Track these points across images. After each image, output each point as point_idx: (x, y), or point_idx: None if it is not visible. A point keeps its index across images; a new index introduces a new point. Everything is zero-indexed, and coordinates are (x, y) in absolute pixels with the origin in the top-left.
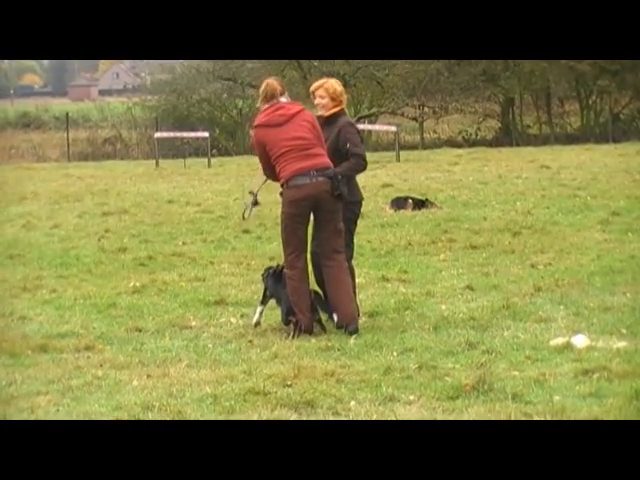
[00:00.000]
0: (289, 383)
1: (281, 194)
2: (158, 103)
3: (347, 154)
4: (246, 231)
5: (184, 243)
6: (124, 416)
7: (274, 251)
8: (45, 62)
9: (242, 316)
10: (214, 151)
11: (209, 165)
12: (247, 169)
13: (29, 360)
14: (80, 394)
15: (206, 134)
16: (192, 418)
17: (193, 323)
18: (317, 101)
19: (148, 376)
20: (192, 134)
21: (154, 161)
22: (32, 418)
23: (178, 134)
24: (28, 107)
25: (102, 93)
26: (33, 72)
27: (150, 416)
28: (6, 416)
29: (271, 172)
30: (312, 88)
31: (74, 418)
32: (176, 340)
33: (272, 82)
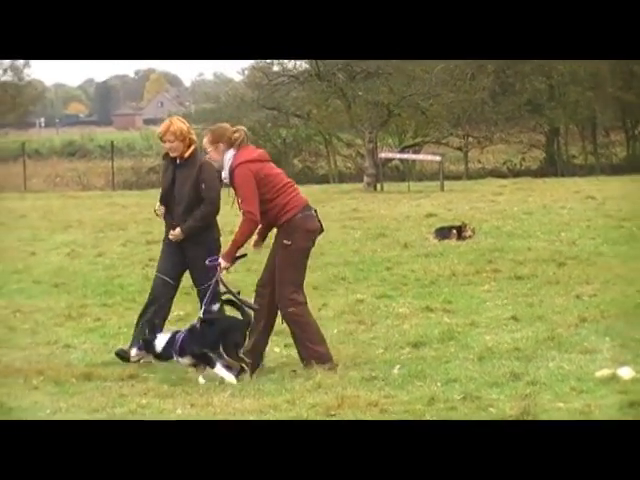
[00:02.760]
0: (333, 413)
1: (284, 228)
2: (202, 132)
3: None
4: None
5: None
6: None
7: (317, 280)
8: (90, 91)
9: (285, 346)
10: None
11: None
12: None
13: (73, 388)
14: None
15: None
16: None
17: None
18: (167, 146)
19: (192, 405)
20: None
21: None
22: None
23: None
24: (73, 136)
25: (147, 122)
26: (79, 101)
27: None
28: None
29: (265, 207)
30: (158, 134)
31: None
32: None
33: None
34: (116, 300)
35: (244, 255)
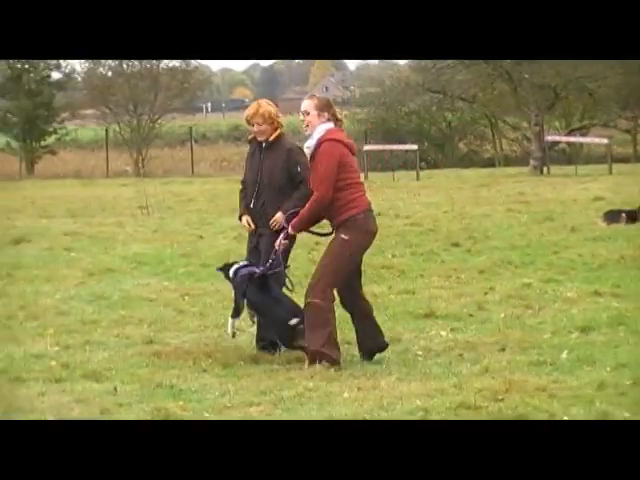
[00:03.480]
0: (500, 397)
1: (345, 223)
2: (367, 116)
3: (296, 178)
4: (455, 244)
5: (393, 256)
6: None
7: (484, 264)
8: (256, 76)
9: (452, 329)
10: (423, 164)
11: (418, 178)
12: (456, 182)
13: (241, 371)
14: (292, 405)
15: (415, 147)
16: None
17: (403, 336)
18: (255, 129)
19: (359, 388)
20: (401, 147)
21: (363, 174)
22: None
23: (387, 147)
24: (239, 120)
25: None
26: (244, 86)
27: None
28: None
29: (336, 195)
30: (246, 116)
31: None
32: (386, 352)
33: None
34: None
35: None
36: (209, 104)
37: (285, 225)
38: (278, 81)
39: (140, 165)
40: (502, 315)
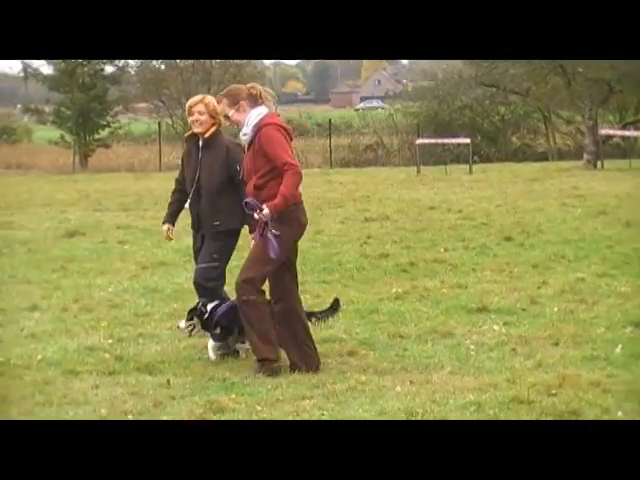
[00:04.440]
0: (554, 392)
1: (273, 211)
2: (419, 109)
3: (236, 178)
4: (508, 238)
5: (446, 250)
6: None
7: (537, 258)
8: (308, 69)
9: (505, 324)
10: (475, 157)
11: (470, 171)
12: (509, 176)
13: None
14: (344, 399)
15: (467, 140)
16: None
17: (455, 330)
18: (195, 117)
19: (411, 382)
20: (453, 140)
21: (415, 167)
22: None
23: (439, 140)
24: (291, 114)
25: (364, 100)
26: (296, 79)
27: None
28: (273, 419)
29: (265, 180)
30: (189, 103)
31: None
32: (438, 346)
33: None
34: (334, 277)
35: None
36: None
37: (263, 216)
38: (330, 74)
39: None
40: (555, 309)
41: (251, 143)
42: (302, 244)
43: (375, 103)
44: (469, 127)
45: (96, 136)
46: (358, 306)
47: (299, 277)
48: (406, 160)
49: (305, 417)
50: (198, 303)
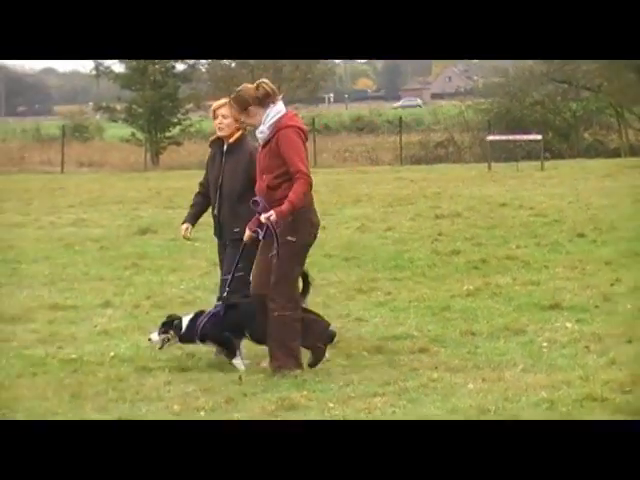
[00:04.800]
0: (627, 390)
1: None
2: (491, 106)
3: None
4: (581, 235)
5: (517, 246)
6: (459, 419)
7: (610, 255)
8: (379, 66)
9: (577, 321)
10: (547, 154)
11: (542, 168)
12: (581, 172)
13: (365, 361)
14: (416, 396)
15: (539, 137)
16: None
17: (527, 327)
18: (218, 121)
19: (483, 379)
20: (525, 137)
21: (486, 164)
22: (369, 418)
23: (511, 137)
24: (362, 111)
25: (434, 96)
26: (367, 77)
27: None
28: (345, 416)
29: (280, 181)
30: (214, 106)
31: (410, 419)
32: (510, 344)
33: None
34: (406, 274)
35: None
36: (332, 95)
37: (269, 221)
38: (400, 71)
39: None
40: (629, 307)
41: (268, 142)
42: (373, 241)
43: (413, 101)
44: (541, 123)
45: (167, 134)
46: (429, 303)
47: (370, 274)
48: (477, 157)
49: (377, 414)
50: (171, 317)
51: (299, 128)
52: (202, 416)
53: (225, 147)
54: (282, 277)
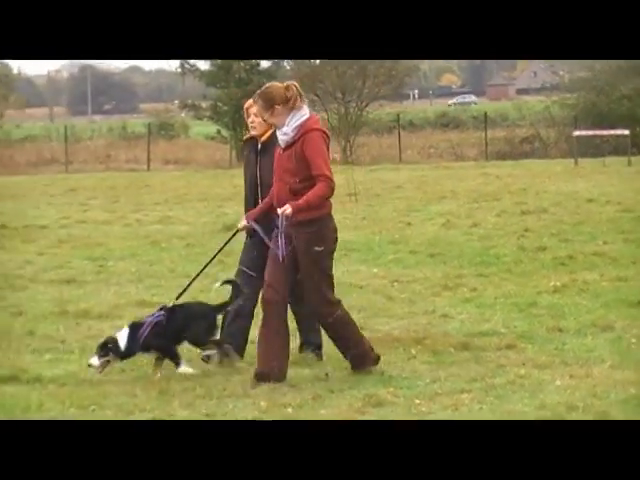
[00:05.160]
0: None
1: (310, 223)
2: (577, 101)
3: None
4: None
5: (605, 242)
6: (548, 416)
7: None
8: (464, 62)
9: None
10: (634, 149)
11: (629, 163)
12: None
13: (451, 358)
14: (503, 392)
15: (626, 132)
16: (617, 419)
17: (615, 324)
18: (251, 119)
19: (571, 376)
20: (612, 132)
21: (572, 160)
22: (455, 415)
23: (597, 132)
24: (447, 107)
25: (520, 92)
26: (451, 72)
27: (574, 416)
28: (431, 412)
29: (303, 185)
30: (246, 105)
31: (497, 417)
32: (598, 340)
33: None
34: (492, 270)
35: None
36: (416, 91)
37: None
38: (485, 67)
39: (348, 152)
40: None
41: (292, 144)
42: (458, 237)
43: (467, 98)
44: (628, 118)
45: None
46: (516, 299)
47: (455, 270)
48: (563, 152)
49: (464, 411)
50: (105, 340)
51: (324, 132)
52: (289, 413)
53: (259, 146)
54: (317, 286)
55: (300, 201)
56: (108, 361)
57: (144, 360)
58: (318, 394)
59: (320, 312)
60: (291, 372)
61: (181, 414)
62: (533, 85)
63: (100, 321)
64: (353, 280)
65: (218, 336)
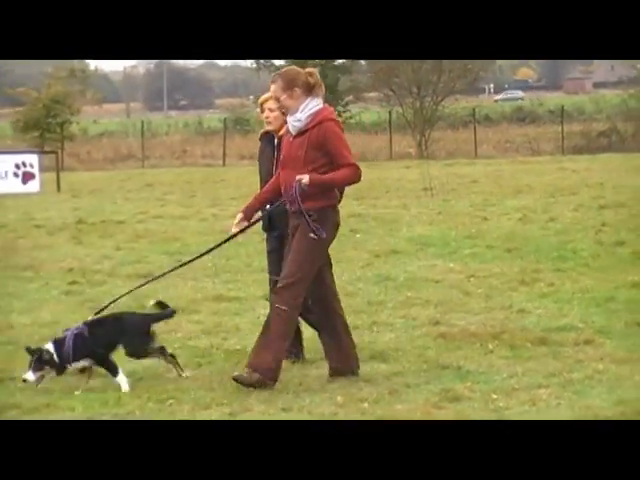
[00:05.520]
0: None
1: (315, 213)
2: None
3: None
4: None
5: None
6: (627, 412)
7: None
8: None
9: None
10: None
11: None
12: None
13: (528, 353)
14: (581, 388)
15: None
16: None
17: None
18: (265, 114)
19: None
20: None
21: None
22: (533, 411)
23: None
24: (522, 102)
25: (597, 86)
26: (528, 66)
27: None
28: (507, 409)
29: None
30: (260, 100)
31: (575, 412)
32: None
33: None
34: (569, 265)
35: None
36: (492, 85)
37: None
38: (564, 61)
39: (423, 147)
40: None
41: (304, 132)
42: (535, 232)
43: (515, 94)
44: None
45: None
46: (594, 294)
47: (532, 265)
48: None
49: (541, 406)
50: (39, 350)
51: (338, 123)
52: (365, 407)
53: (275, 140)
54: (296, 271)
55: (325, 176)
56: (43, 375)
57: (221, 355)
58: (394, 389)
59: (276, 295)
60: (366, 367)
61: (258, 408)
62: (610, 79)
63: (177, 315)
64: (429, 275)
65: (156, 345)
